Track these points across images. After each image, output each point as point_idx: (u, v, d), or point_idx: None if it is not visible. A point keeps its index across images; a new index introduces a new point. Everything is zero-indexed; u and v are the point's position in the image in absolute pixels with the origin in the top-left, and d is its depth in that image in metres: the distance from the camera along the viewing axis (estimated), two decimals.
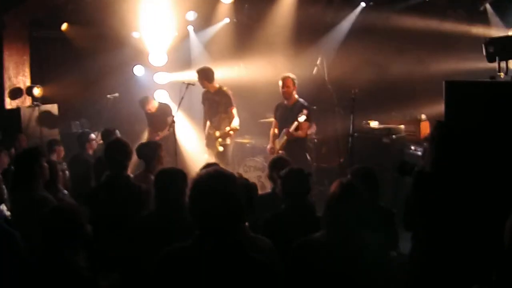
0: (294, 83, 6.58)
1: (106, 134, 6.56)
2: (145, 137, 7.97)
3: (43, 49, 9.29)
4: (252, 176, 7.24)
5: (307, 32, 9.06)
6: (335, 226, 2.73)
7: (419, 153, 6.66)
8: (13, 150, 6.50)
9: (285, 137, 6.51)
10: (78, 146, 6.87)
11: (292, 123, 6.39)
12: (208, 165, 4.02)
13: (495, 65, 3.85)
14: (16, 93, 8.62)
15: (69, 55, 9.18)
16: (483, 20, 7.66)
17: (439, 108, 4.02)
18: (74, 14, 8.88)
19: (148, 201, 3.74)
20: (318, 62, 7.70)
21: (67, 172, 5.94)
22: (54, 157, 6.07)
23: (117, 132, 6.72)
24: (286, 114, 6.65)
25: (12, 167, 4.44)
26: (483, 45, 3.92)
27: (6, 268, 2.97)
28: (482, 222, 3.22)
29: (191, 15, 9.35)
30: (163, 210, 3.39)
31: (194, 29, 9.69)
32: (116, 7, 8.32)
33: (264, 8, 9.03)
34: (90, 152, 6.88)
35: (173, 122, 6.71)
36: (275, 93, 7.03)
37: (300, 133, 6.48)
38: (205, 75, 7.15)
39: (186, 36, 9.72)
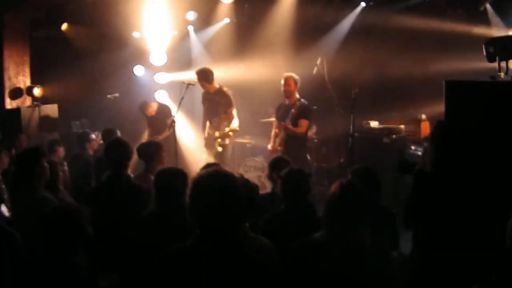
0: (296, 83, 6.58)
1: (107, 134, 6.56)
2: (145, 138, 7.97)
3: (43, 49, 9.28)
4: (252, 176, 7.24)
5: (307, 32, 9.06)
6: (335, 226, 2.73)
7: (419, 153, 6.67)
8: (13, 150, 6.50)
9: (283, 133, 6.50)
10: (78, 146, 6.87)
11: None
12: (208, 165, 4.03)
13: (495, 65, 3.85)
14: (16, 93, 8.62)
15: (69, 55, 9.18)
16: (483, 20, 7.66)
17: (439, 108, 4.02)
18: (74, 14, 8.88)
19: (149, 201, 3.74)
20: (318, 62, 7.71)
21: (67, 172, 5.93)
22: (54, 157, 6.06)
23: (118, 132, 6.72)
24: (286, 113, 6.65)
25: (12, 167, 4.44)
26: (483, 45, 3.92)
27: (6, 269, 2.97)
28: (482, 222, 3.22)
29: (191, 15, 9.35)
30: (163, 210, 3.39)
31: (194, 29, 9.69)
32: (116, 7, 8.32)
33: (264, 8, 9.03)
34: (91, 152, 6.88)
35: (173, 122, 6.71)
36: (275, 93, 7.04)
37: (298, 129, 6.44)
38: (204, 76, 7.15)
39: (186, 36, 9.72)
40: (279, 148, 6.56)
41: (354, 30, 8.82)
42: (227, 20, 9.47)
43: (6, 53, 8.43)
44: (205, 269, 2.12)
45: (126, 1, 8.37)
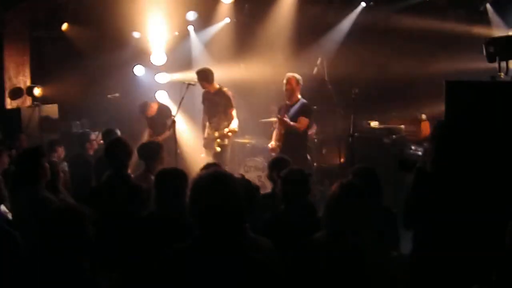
0: (298, 83, 6.57)
1: (107, 134, 6.56)
2: (145, 138, 7.96)
3: (44, 49, 9.29)
4: (252, 176, 7.24)
5: (307, 32, 9.06)
6: (335, 226, 2.73)
7: (420, 153, 6.67)
8: (13, 151, 6.50)
9: (282, 129, 6.48)
10: (79, 146, 6.87)
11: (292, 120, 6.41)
12: (208, 166, 4.03)
13: (495, 65, 3.85)
14: (16, 93, 8.62)
15: (69, 55, 9.18)
16: (484, 20, 7.66)
17: (440, 108, 4.02)
18: (74, 14, 8.89)
19: (149, 201, 3.74)
20: (318, 62, 7.70)
21: (67, 172, 5.94)
22: (54, 157, 6.07)
23: (118, 132, 6.72)
24: (287, 112, 6.65)
25: (12, 167, 4.44)
26: (483, 45, 3.92)
27: (6, 269, 2.97)
28: (482, 222, 3.22)
29: (192, 15, 9.36)
30: (163, 210, 3.39)
31: (194, 29, 9.69)
32: (116, 7, 8.32)
33: (264, 8, 9.03)
34: (91, 152, 6.89)
35: (174, 122, 6.70)
36: (276, 93, 7.04)
37: (296, 125, 6.41)
38: (205, 76, 7.14)
39: (186, 36, 9.73)
40: (277, 143, 6.53)
41: (355, 30, 8.82)
42: (227, 20, 9.48)
43: (6, 53, 8.44)
44: (205, 269, 2.12)
45: (126, 1, 8.37)
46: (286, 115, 6.46)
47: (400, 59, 7.95)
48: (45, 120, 8.42)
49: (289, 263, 2.76)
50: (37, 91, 8.43)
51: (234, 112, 7.10)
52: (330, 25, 9.05)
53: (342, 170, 7.01)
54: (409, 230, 3.60)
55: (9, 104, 8.53)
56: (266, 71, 8.44)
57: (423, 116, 7.71)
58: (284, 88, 6.59)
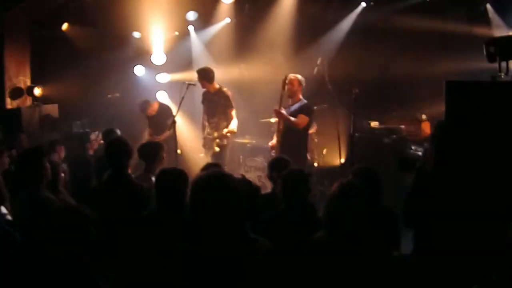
0: (300, 83, 6.57)
1: (107, 134, 6.56)
2: (145, 138, 7.96)
3: (44, 49, 9.28)
4: (252, 176, 7.24)
5: (307, 32, 9.05)
6: (335, 226, 2.73)
7: (420, 153, 6.67)
8: (13, 150, 6.50)
9: (281, 125, 6.46)
10: (79, 146, 6.87)
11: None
12: (208, 166, 4.03)
13: (495, 65, 3.85)
14: (16, 93, 8.62)
15: (69, 55, 9.18)
16: (484, 20, 7.66)
17: (440, 108, 4.02)
18: (74, 14, 8.88)
19: (149, 201, 3.74)
20: (319, 62, 7.69)
21: (67, 172, 5.93)
22: (55, 157, 6.07)
23: (118, 131, 6.72)
24: (287, 111, 6.64)
25: (13, 168, 4.44)
26: (483, 45, 3.92)
27: (6, 269, 2.97)
28: (483, 222, 3.22)
29: (192, 15, 9.36)
30: (164, 210, 3.39)
31: (194, 29, 9.69)
32: (116, 7, 8.33)
33: (264, 8, 9.03)
34: (91, 152, 6.89)
35: (174, 122, 6.70)
36: (276, 93, 7.03)
37: (294, 120, 6.37)
38: (205, 75, 7.14)
39: (186, 36, 9.73)
40: (276, 141, 6.52)
41: (355, 30, 8.82)
42: (227, 20, 9.48)
43: (6, 53, 8.44)
44: (205, 269, 2.12)
45: (126, 1, 8.37)
46: (283, 109, 6.42)
47: (400, 59, 7.96)
48: (46, 118, 8.42)
49: (290, 263, 2.76)
50: (37, 91, 8.43)
51: (233, 112, 7.10)
52: (330, 25, 9.04)
53: (342, 170, 7.01)
54: (408, 228, 3.61)
55: (9, 104, 8.53)
56: (266, 71, 8.44)
57: (423, 117, 7.71)
58: (286, 88, 6.59)
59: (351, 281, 2.64)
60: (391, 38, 8.29)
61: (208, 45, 9.67)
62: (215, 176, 2.24)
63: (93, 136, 7.03)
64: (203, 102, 7.42)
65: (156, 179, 3.55)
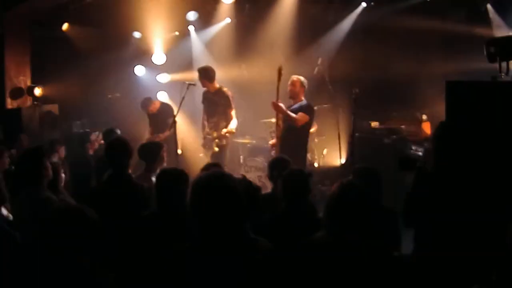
0: (302, 85, 6.55)
1: (107, 134, 6.56)
2: (145, 137, 7.97)
3: (44, 49, 9.29)
4: (252, 176, 7.24)
5: (308, 32, 9.06)
6: (335, 226, 2.73)
7: (420, 153, 6.67)
8: (13, 150, 6.51)
9: (279, 118, 6.46)
10: (79, 146, 6.87)
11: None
12: (208, 167, 4.02)
13: (496, 65, 3.84)
14: (17, 93, 8.63)
15: (69, 55, 9.19)
16: (485, 20, 7.66)
17: (440, 108, 4.02)
18: (75, 14, 8.89)
19: (149, 201, 3.74)
20: (319, 62, 7.71)
21: (67, 172, 5.94)
22: (55, 157, 6.07)
23: (118, 131, 6.72)
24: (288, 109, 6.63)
25: (13, 168, 4.44)
26: (484, 45, 3.92)
27: (6, 270, 2.97)
28: (483, 222, 3.22)
29: (192, 15, 9.36)
30: (164, 210, 3.39)
31: (195, 29, 9.69)
32: (117, 7, 8.33)
33: (265, 8, 9.04)
34: (91, 152, 6.89)
35: (174, 122, 6.70)
36: (276, 93, 7.03)
37: (293, 116, 6.33)
38: (206, 74, 7.13)
39: (187, 36, 9.73)
40: (276, 136, 6.50)
41: (355, 30, 8.82)
42: (228, 20, 9.48)
43: (6, 53, 8.45)
44: (205, 269, 2.12)
45: (127, 1, 8.37)
46: (281, 101, 6.40)
47: (400, 59, 7.95)
48: (47, 115, 8.42)
49: (290, 264, 2.76)
50: (37, 91, 8.45)
51: (233, 113, 7.09)
52: (330, 25, 9.05)
53: (342, 170, 7.01)
54: (408, 228, 3.61)
55: (10, 104, 8.54)
56: (266, 71, 8.44)
57: (424, 117, 7.71)
58: (288, 88, 6.59)
59: (351, 281, 2.64)
60: (391, 38, 8.29)
61: (209, 45, 9.68)
62: (215, 176, 2.24)
63: (93, 136, 7.02)
64: (203, 102, 7.42)
65: (157, 179, 3.55)
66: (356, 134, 6.56)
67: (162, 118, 7.72)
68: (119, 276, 3.36)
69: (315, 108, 7.02)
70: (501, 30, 7.35)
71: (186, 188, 3.31)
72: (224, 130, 6.97)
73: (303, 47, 8.87)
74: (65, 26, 9.13)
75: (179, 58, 9.56)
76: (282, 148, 6.27)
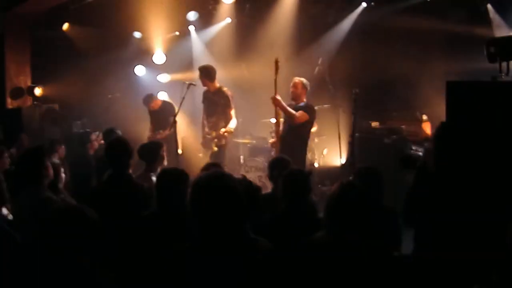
0: (304, 87, 6.56)
1: (108, 134, 6.56)
2: (146, 135, 7.96)
3: (44, 49, 9.30)
4: (252, 176, 7.24)
5: (308, 32, 9.06)
6: (335, 226, 2.73)
7: (420, 153, 6.66)
8: (13, 150, 6.51)
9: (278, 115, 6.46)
10: (79, 146, 6.88)
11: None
12: (208, 166, 4.02)
13: (496, 65, 3.84)
14: (17, 93, 8.64)
15: (70, 55, 9.20)
16: (485, 20, 7.65)
17: (441, 108, 4.02)
18: (75, 14, 8.90)
19: (150, 201, 3.74)
20: (319, 62, 7.71)
21: (67, 172, 5.94)
22: (55, 157, 6.07)
23: (119, 131, 6.72)
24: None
25: (13, 167, 4.43)
26: (484, 45, 3.92)
27: (6, 270, 2.97)
28: (483, 222, 3.22)
29: (192, 15, 9.37)
30: (164, 210, 3.39)
31: (195, 29, 9.70)
32: (117, 7, 8.33)
33: (265, 8, 9.05)
34: (91, 152, 6.89)
35: (175, 122, 6.70)
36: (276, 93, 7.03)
37: (293, 112, 6.33)
38: (207, 73, 7.12)
39: (187, 36, 9.73)
40: (275, 131, 6.49)
41: (355, 30, 8.82)
42: (228, 20, 9.48)
43: (7, 53, 8.46)
44: (205, 269, 2.12)
45: (127, 1, 8.38)
46: (278, 95, 6.39)
47: (401, 59, 7.95)
48: (47, 111, 8.42)
49: (290, 263, 2.76)
50: (37, 91, 8.46)
51: (233, 112, 7.08)
52: (331, 25, 9.05)
53: (342, 170, 7.01)
54: (408, 227, 3.61)
55: (10, 104, 8.55)
56: (266, 71, 8.44)
57: (424, 117, 7.70)
58: (290, 90, 6.59)
59: (351, 281, 2.64)
60: (391, 38, 8.29)
61: (209, 45, 9.68)
62: (215, 176, 2.24)
63: (93, 136, 7.02)
64: (203, 101, 7.42)
65: (157, 179, 3.55)
66: (356, 134, 6.56)
67: (164, 116, 7.71)
68: (119, 276, 3.36)
69: (315, 108, 7.03)
70: (501, 30, 7.34)
71: (187, 188, 3.30)
72: (223, 130, 6.96)
73: (303, 47, 8.87)
74: (65, 26, 9.14)
75: (179, 58, 9.56)
76: (282, 148, 6.27)
